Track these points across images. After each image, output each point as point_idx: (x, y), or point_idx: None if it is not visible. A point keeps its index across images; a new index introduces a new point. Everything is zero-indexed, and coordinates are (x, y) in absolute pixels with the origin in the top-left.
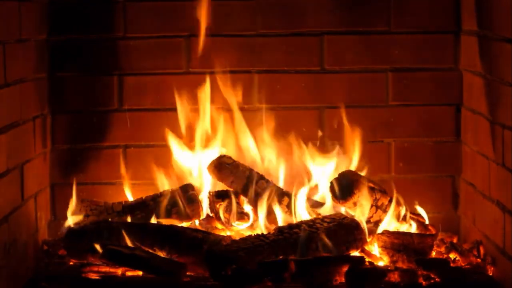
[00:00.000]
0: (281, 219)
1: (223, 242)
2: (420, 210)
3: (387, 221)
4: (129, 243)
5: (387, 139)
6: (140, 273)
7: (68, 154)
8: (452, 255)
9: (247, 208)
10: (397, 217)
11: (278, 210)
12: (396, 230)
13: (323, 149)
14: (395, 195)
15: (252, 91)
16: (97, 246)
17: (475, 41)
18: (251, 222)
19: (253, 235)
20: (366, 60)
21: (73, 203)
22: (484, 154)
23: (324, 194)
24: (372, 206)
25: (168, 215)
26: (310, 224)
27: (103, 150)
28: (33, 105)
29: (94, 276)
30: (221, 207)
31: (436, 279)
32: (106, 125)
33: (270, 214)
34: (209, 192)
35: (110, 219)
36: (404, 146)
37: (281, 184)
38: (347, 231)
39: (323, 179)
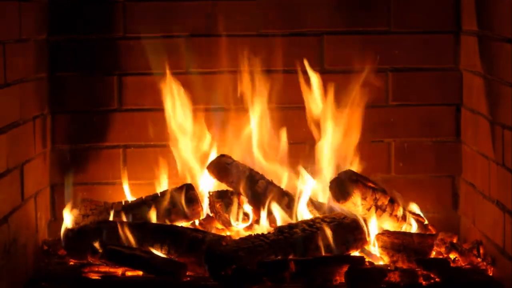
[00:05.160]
0: (281, 219)
1: (223, 242)
2: (416, 209)
3: (386, 221)
4: (132, 241)
5: (387, 139)
6: (140, 273)
7: (68, 154)
8: (452, 255)
9: (247, 208)
10: (397, 217)
11: (278, 210)
12: (396, 230)
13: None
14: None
15: (252, 91)
16: (97, 246)
17: (475, 41)
18: (251, 222)
19: (253, 235)
20: (366, 60)
21: (71, 203)
22: (484, 154)
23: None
24: (372, 206)
25: (168, 215)
26: (310, 224)
27: (103, 150)
28: (33, 105)
29: (94, 276)
30: (221, 207)
31: (436, 279)
32: (106, 125)
33: (270, 214)
34: (209, 192)
35: (110, 219)
36: (404, 146)
37: (281, 184)
38: (347, 231)
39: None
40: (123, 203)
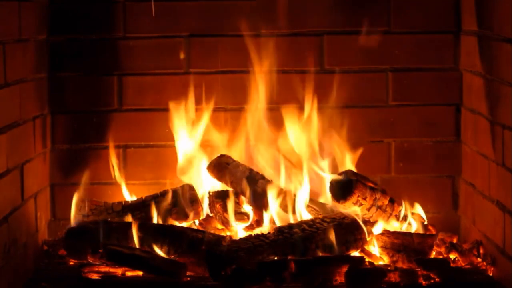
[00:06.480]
0: (281, 219)
1: (223, 242)
2: (419, 209)
3: (386, 222)
4: (136, 241)
5: (387, 139)
6: (140, 273)
7: (68, 154)
8: (452, 255)
9: (247, 208)
10: (397, 217)
11: (277, 210)
12: (396, 230)
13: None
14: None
15: (252, 91)
16: (97, 246)
17: (475, 41)
18: (250, 222)
19: (253, 235)
20: (366, 60)
21: (76, 203)
22: (484, 154)
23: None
24: (372, 206)
25: (168, 215)
26: (310, 224)
27: (103, 150)
28: (33, 105)
29: (94, 276)
30: (221, 207)
31: (436, 279)
32: (106, 125)
33: (270, 214)
34: (209, 192)
35: (110, 219)
36: (404, 146)
37: (281, 184)
38: (347, 231)
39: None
40: (123, 203)
